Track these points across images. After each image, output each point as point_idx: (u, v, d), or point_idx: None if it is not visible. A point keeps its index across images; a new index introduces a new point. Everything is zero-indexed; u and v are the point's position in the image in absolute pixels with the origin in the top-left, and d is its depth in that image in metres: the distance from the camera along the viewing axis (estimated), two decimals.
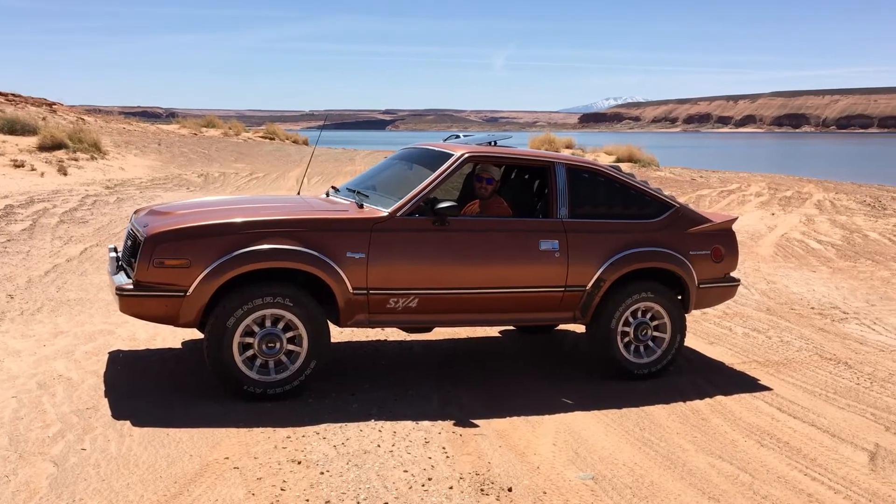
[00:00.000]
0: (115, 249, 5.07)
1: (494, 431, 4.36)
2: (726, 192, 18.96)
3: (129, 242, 4.85)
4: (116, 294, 4.46)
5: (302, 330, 4.58)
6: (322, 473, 3.72)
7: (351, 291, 4.65)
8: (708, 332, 6.74)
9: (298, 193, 6.04)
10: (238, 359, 4.49)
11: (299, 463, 3.81)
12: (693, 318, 7.09)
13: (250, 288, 4.48)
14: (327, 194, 5.62)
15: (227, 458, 3.82)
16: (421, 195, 4.88)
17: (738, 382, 5.43)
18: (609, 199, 5.40)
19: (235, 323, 4.44)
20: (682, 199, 16.93)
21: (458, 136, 5.93)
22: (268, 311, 4.50)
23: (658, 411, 4.81)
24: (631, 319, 5.32)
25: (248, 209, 4.90)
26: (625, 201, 5.43)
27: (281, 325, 4.56)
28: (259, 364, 4.55)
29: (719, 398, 5.09)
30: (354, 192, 5.26)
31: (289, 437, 4.10)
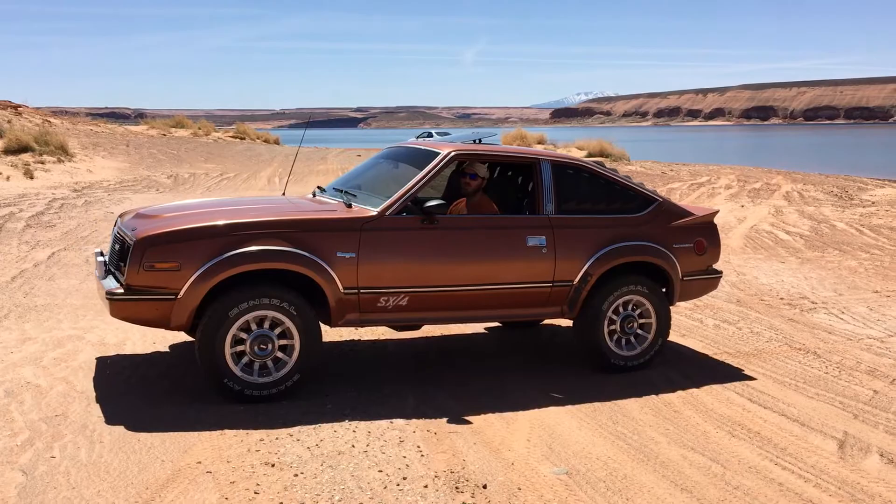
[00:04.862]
0: (102, 253, 5.00)
1: (469, 429, 4.36)
2: (696, 184, 19.13)
3: (117, 246, 4.79)
4: (107, 298, 4.41)
5: (296, 340, 4.57)
6: (296, 475, 3.70)
7: (342, 291, 4.65)
8: (679, 324, 6.80)
9: (283, 194, 6.01)
10: (231, 363, 4.46)
11: (273, 465, 3.79)
12: None
13: (257, 287, 4.46)
14: (314, 194, 5.60)
15: (200, 462, 3.79)
16: (409, 194, 4.89)
17: (710, 374, 5.48)
18: (594, 194, 5.45)
19: (224, 329, 4.40)
20: None
21: (430, 134, 5.94)
22: (270, 313, 4.49)
23: (631, 405, 4.84)
24: (617, 313, 5.38)
25: (238, 211, 4.86)
26: (609, 196, 5.48)
27: (277, 331, 4.55)
28: (244, 363, 4.52)
29: (691, 390, 5.14)
30: (341, 191, 5.25)
31: (262, 440, 4.07)
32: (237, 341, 4.50)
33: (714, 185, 19.04)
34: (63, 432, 4.05)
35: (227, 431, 4.15)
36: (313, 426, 4.28)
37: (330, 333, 6.10)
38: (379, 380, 5.14)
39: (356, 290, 4.70)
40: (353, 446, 4.05)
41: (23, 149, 18.40)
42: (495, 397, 4.88)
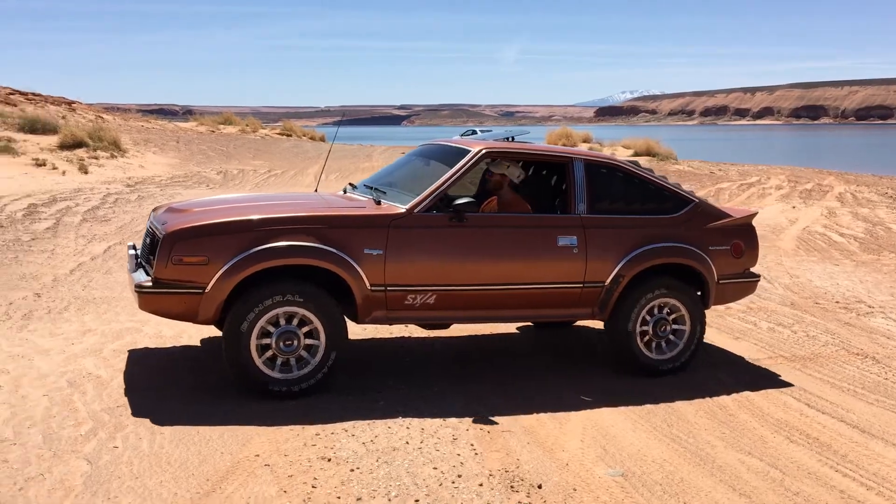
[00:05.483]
0: (135, 247, 5.10)
1: (522, 428, 4.36)
2: (746, 185, 18.83)
3: (148, 240, 4.87)
4: (136, 291, 4.49)
5: (322, 337, 4.59)
6: (352, 470, 3.73)
7: (368, 288, 4.65)
8: (732, 327, 6.71)
9: (316, 191, 6.05)
10: (257, 359, 4.50)
11: (329, 460, 3.83)
12: (717, 313, 7.06)
13: (261, 289, 4.47)
14: (345, 191, 5.63)
15: (258, 455, 3.84)
16: (438, 191, 4.88)
17: (765, 378, 5.40)
18: (628, 194, 5.37)
19: (250, 325, 4.44)
20: (701, 193, 16.83)
21: (474, 132, 5.92)
22: (280, 310, 4.50)
23: (685, 407, 4.79)
24: (650, 316, 5.30)
25: (266, 206, 4.91)
26: (643, 196, 5.40)
27: (295, 322, 4.57)
28: (269, 358, 4.54)
29: (746, 394, 5.06)
30: (372, 188, 5.27)
31: (317, 435, 4.12)
32: (263, 336, 4.52)
33: (764, 185, 18.72)
34: (125, 423, 4.14)
35: (283, 426, 4.20)
36: (367, 422, 4.31)
37: (380, 331, 6.15)
38: (429, 377, 5.16)
39: (383, 288, 4.69)
40: (408, 443, 4.08)
41: (77, 144, 18.83)
42: (545, 397, 4.87)
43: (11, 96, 29.64)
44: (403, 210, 4.80)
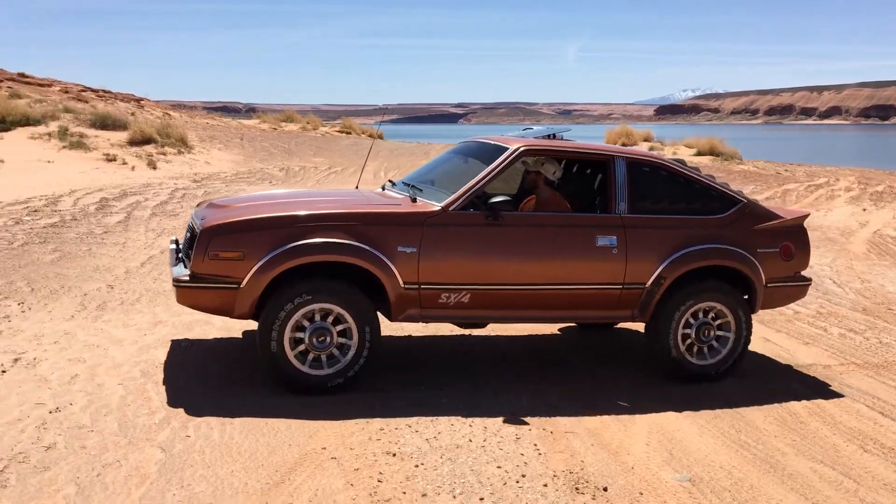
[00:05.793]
0: (177, 241, 5.19)
1: (585, 430, 4.33)
2: (814, 186, 18.32)
3: (188, 235, 4.96)
4: (174, 285, 4.58)
5: (355, 335, 4.60)
6: (417, 466, 3.76)
7: (402, 286, 4.64)
8: (802, 332, 6.55)
9: (356, 187, 6.05)
10: (290, 354, 4.53)
11: (394, 455, 3.86)
12: (786, 317, 6.91)
13: (295, 285, 4.49)
14: (383, 188, 5.61)
15: (325, 448, 3.90)
16: (474, 189, 4.83)
17: (837, 385, 5.26)
18: (671, 193, 5.23)
19: (283, 321, 4.48)
20: (767, 194, 16.46)
21: (530, 129, 5.83)
22: (314, 307, 4.52)
23: (753, 413, 4.70)
24: (693, 319, 5.15)
25: (303, 203, 4.93)
26: (688, 196, 5.25)
27: (329, 319, 4.58)
28: (302, 353, 4.57)
29: (817, 401, 4.94)
30: (410, 185, 5.24)
31: (382, 430, 4.16)
32: (297, 331, 4.54)
33: (833, 187, 18.19)
34: (196, 412, 4.24)
35: (347, 420, 4.26)
36: (430, 418, 4.34)
37: (442, 328, 6.18)
38: (490, 375, 5.17)
39: (417, 286, 4.68)
40: (471, 441, 4.09)
41: (146, 140, 19.33)
42: (607, 399, 4.83)
43: (83, 93, 30.63)
44: (438, 208, 4.77)
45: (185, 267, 4.70)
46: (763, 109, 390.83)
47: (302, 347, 4.57)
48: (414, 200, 4.92)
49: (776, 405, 4.84)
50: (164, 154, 18.64)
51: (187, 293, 4.55)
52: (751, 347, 6.05)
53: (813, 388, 5.18)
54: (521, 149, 5.04)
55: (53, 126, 19.08)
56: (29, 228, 9.11)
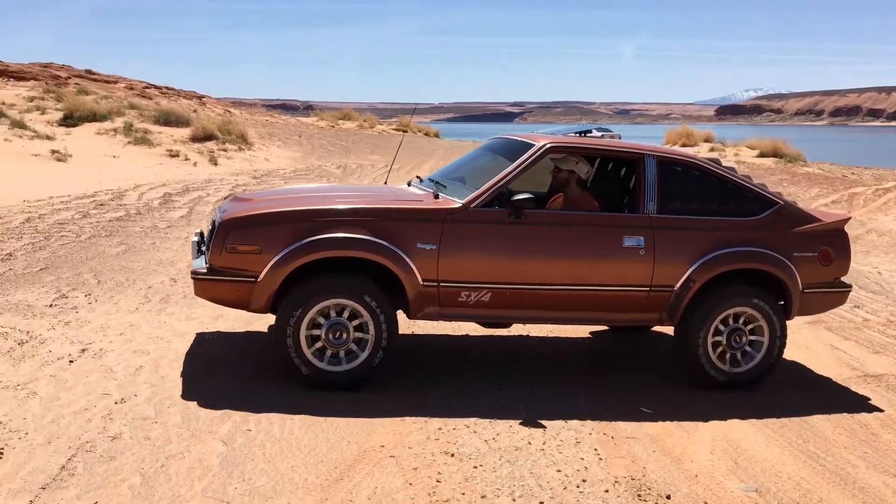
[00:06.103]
0: (201, 234, 5.20)
1: (646, 435, 4.24)
2: (882, 190, 17.72)
3: (211, 228, 4.96)
4: (192, 277, 4.60)
5: (371, 331, 4.55)
6: (475, 467, 3.73)
7: (421, 283, 4.58)
8: (872, 340, 6.33)
9: (385, 183, 5.99)
10: (306, 350, 4.51)
11: (452, 455, 3.84)
12: (855, 325, 6.69)
13: (312, 280, 4.47)
14: (409, 184, 5.55)
15: (383, 446, 3.90)
16: (497, 186, 4.75)
17: None
18: (704, 194, 5.06)
19: (300, 316, 4.46)
20: (833, 198, 15.99)
21: (590, 131, 5.68)
22: (330, 302, 4.49)
23: (822, 423, 4.55)
24: (723, 325, 4.98)
25: (324, 198, 4.90)
26: (722, 197, 5.07)
27: (346, 314, 4.55)
28: (330, 355, 4.56)
29: (890, 413, 4.76)
30: (435, 182, 5.16)
31: (440, 429, 4.14)
32: (313, 327, 4.52)
33: None
34: (257, 407, 4.28)
35: (406, 418, 4.25)
36: (489, 420, 4.30)
37: (499, 329, 6.12)
38: (549, 376, 5.11)
39: (436, 283, 4.61)
40: (530, 443, 4.04)
41: (208, 137, 19.72)
42: (670, 405, 4.72)
43: (147, 90, 31.40)
44: (460, 204, 4.70)
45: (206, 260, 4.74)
46: (828, 110, 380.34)
47: (319, 345, 4.55)
48: (436, 197, 4.86)
49: (846, 415, 4.68)
50: (224, 150, 18.97)
51: (205, 286, 4.58)
52: (817, 355, 5.89)
53: (884, 399, 5.00)
54: (548, 145, 4.95)
55: (119, 122, 19.60)
56: (95, 222, 9.35)
